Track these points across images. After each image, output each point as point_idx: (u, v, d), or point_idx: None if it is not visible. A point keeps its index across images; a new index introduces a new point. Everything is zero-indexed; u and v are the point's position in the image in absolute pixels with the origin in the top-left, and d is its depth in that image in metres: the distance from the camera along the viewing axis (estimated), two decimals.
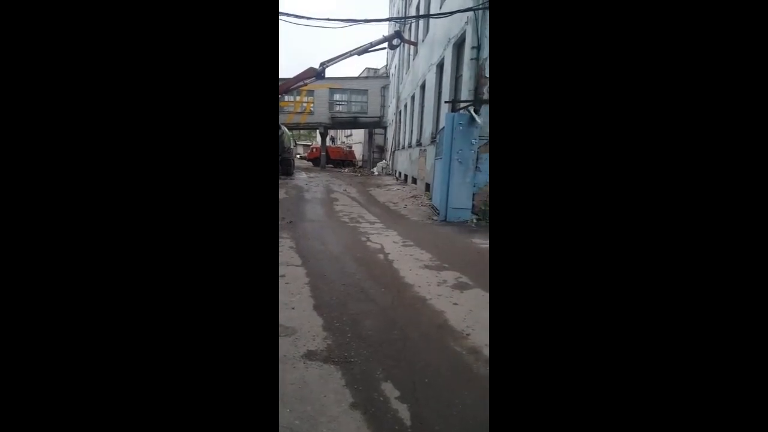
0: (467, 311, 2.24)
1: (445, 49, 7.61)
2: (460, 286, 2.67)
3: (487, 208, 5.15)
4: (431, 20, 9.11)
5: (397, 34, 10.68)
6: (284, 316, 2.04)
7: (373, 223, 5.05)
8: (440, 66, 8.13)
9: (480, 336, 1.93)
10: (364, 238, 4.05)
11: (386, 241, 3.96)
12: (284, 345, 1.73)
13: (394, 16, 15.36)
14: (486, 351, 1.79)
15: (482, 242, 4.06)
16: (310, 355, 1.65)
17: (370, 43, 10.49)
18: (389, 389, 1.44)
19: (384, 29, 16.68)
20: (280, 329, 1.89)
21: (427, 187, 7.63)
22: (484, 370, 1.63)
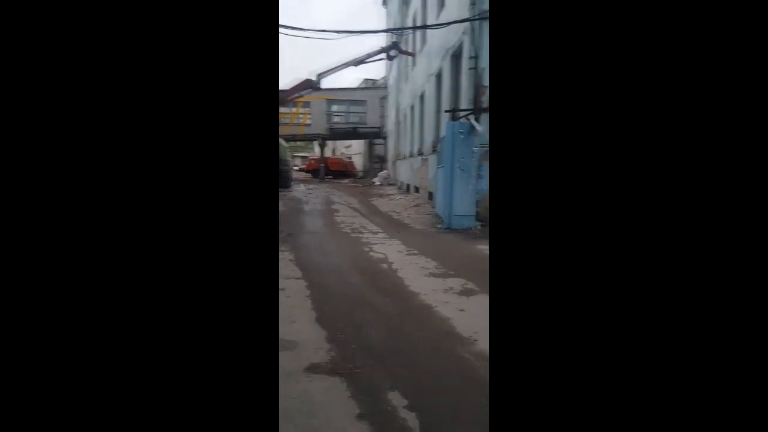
0: (474, 317, 2.20)
1: (443, 60, 7.70)
2: (467, 293, 2.63)
3: None
4: (428, 31, 9.24)
5: (395, 45, 10.82)
6: (285, 330, 1.99)
7: (376, 232, 5.03)
8: (438, 76, 8.21)
9: (486, 341, 1.87)
10: (366, 249, 4.02)
11: (390, 250, 3.93)
12: (285, 359, 1.69)
13: (391, 27, 15.62)
14: None
15: (486, 248, 4.02)
16: (313, 368, 1.61)
17: (367, 54, 10.63)
18: (397, 398, 1.40)
19: (381, 40, 16.95)
20: (280, 344, 1.86)
21: (430, 195, 7.63)
22: None
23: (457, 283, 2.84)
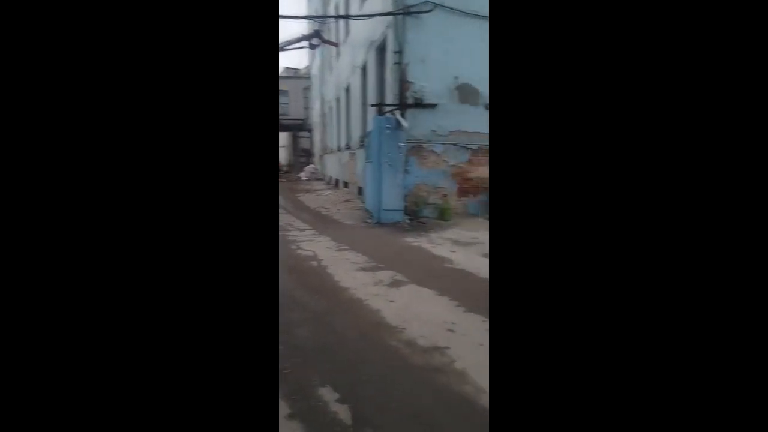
0: (402, 307, 2.30)
1: (367, 52, 7.73)
2: (396, 284, 2.73)
3: (418, 209, 5.35)
4: (352, 22, 9.17)
5: (317, 34, 10.48)
6: None
7: (304, 230, 4.91)
8: (363, 69, 8.24)
9: (414, 328, 2.00)
10: (294, 247, 3.91)
11: (319, 247, 3.88)
12: None
13: (312, 14, 15.14)
14: (420, 341, 1.86)
15: (414, 240, 4.21)
16: None
17: (288, 41, 10.15)
18: (328, 393, 1.42)
19: (302, 27, 16.32)
20: None
21: (360, 190, 7.68)
22: (419, 358, 1.70)
23: (386, 275, 2.93)
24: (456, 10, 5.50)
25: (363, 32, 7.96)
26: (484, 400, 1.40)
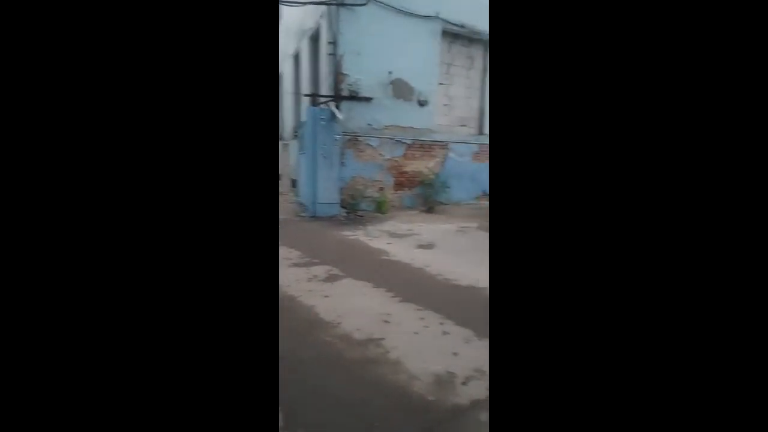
0: (338, 301, 2.27)
1: (300, 41, 7.45)
2: (331, 279, 2.69)
3: (354, 202, 5.33)
4: (284, 8, 8.75)
5: None
6: None
7: None
8: (296, 58, 7.93)
9: (350, 322, 1.99)
10: None
11: None
12: None
13: None
14: (356, 334, 1.86)
15: (351, 234, 4.19)
16: None
17: None
18: None
19: None
20: None
21: (293, 182, 7.41)
22: (354, 352, 1.69)
23: (321, 270, 2.87)
24: (390, 6, 5.53)
25: (295, 20, 7.64)
26: (417, 386, 1.45)
